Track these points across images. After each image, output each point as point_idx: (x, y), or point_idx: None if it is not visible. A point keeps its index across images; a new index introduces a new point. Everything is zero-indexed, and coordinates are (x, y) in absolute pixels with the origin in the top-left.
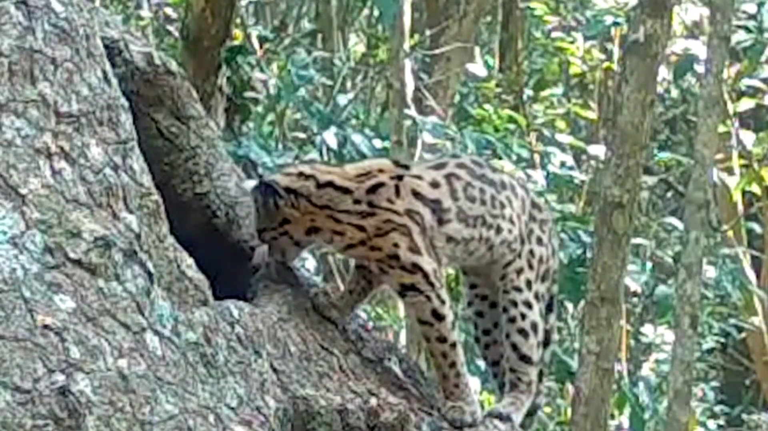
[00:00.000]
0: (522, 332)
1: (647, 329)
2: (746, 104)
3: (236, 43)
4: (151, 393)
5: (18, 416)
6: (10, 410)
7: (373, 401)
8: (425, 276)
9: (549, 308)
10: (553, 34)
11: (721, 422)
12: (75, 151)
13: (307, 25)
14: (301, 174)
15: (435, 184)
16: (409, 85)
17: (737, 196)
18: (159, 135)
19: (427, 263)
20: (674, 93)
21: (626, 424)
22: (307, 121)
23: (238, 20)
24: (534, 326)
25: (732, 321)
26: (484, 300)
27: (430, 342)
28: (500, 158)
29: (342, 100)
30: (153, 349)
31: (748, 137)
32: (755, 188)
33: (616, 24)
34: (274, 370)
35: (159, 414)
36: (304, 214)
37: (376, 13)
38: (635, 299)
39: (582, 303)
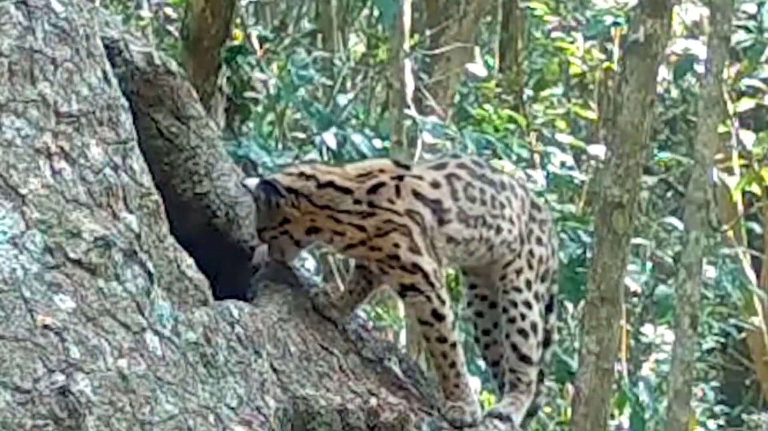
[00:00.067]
0: (522, 332)
1: (647, 329)
2: (746, 104)
3: (236, 43)
4: (151, 393)
5: (18, 416)
6: (10, 410)
7: (373, 401)
8: (425, 276)
9: (549, 308)
10: (553, 34)
11: (721, 422)
12: (75, 151)
13: (307, 25)
14: (302, 174)
15: (435, 185)
16: (409, 85)
17: (737, 196)
18: (159, 135)
19: (427, 263)
20: (674, 93)
21: (626, 424)
22: (307, 121)
23: (238, 20)
24: (534, 326)
25: (732, 321)
26: (484, 300)
27: (430, 342)
28: (500, 158)
29: (342, 100)
30: (153, 349)
31: (748, 137)
32: (755, 188)
33: (616, 24)
34: (274, 370)
35: (159, 414)
36: (304, 214)
37: (376, 13)
38: (635, 299)
39: (582, 303)
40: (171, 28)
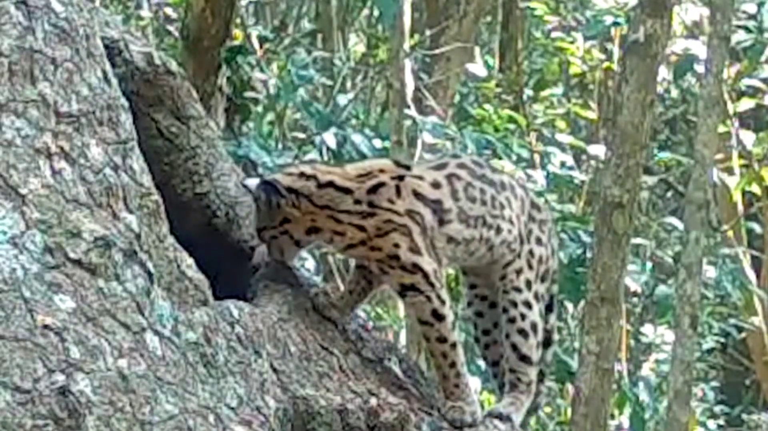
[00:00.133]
0: (522, 332)
1: (647, 329)
2: (746, 104)
3: (236, 43)
4: (151, 393)
5: (18, 416)
6: (10, 410)
7: (373, 401)
8: (425, 276)
9: (549, 308)
10: (553, 34)
11: (721, 422)
12: (75, 151)
13: (307, 25)
14: (302, 174)
15: (436, 185)
16: (409, 85)
17: (737, 196)
18: (159, 135)
19: (427, 263)
20: (674, 93)
21: (626, 424)
22: (307, 121)
23: (238, 20)
24: (534, 326)
25: (732, 321)
26: (484, 300)
27: (430, 342)
28: (500, 158)
29: (342, 100)
30: (153, 349)
31: (748, 137)
32: (755, 188)
33: (616, 24)
34: (274, 370)
35: (159, 414)
36: (305, 214)
37: (376, 13)
38: (635, 299)
39: (582, 303)
40: (171, 28)
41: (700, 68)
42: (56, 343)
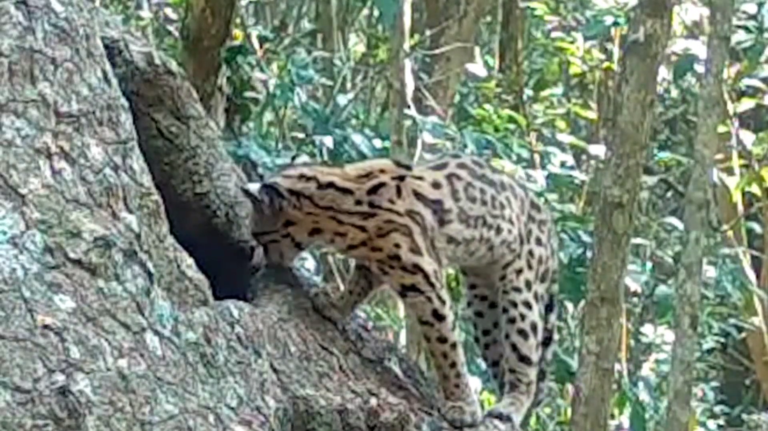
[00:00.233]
0: (521, 333)
1: (647, 329)
2: (746, 104)
3: (236, 43)
4: (151, 393)
5: (18, 416)
6: (10, 410)
7: (373, 401)
8: (426, 276)
9: (549, 308)
10: (553, 34)
11: (721, 422)
12: (75, 151)
13: (307, 25)
14: (302, 176)
15: (436, 185)
16: (409, 85)
17: (737, 196)
18: (159, 135)
19: (427, 263)
20: (674, 93)
21: (626, 424)
22: (305, 121)
23: (238, 20)
24: (533, 327)
25: (732, 321)
26: (484, 300)
27: (431, 342)
28: (500, 158)
29: (342, 100)
30: (153, 349)
31: (748, 137)
32: (755, 188)
33: (616, 24)
34: (274, 370)
35: (159, 414)
36: (306, 215)
37: (376, 13)
38: (635, 299)
39: (582, 303)
40: (171, 28)
41: (700, 68)
42: (56, 343)
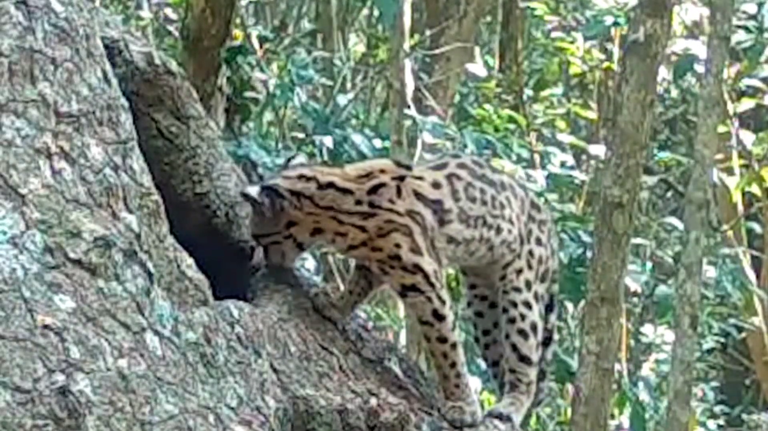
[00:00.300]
0: (521, 333)
1: (647, 329)
2: (746, 104)
3: (236, 43)
4: (151, 393)
5: (18, 416)
6: (10, 410)
7: (373, 401)
8: (426, 276)
9: (550, 308)
10: (553, 34)
11: (721, 422)
12: (75, 151)
13: (307, 25)
14: (301, 176)
15: (436, 185)
16: (409, 85)
17: (737, 196)
18: (159, 135)
19: (427, 263)
20: (674, 93)
21: (626, 424)
22: (305, 121)
23: (238, 20)
24: (533, 327)
25: (732, 321)
26: (484, 300)
27: (431, 342)
28: (500, 158)
29: (342, 100)
30: (153, 349)
31: (748, 137)
32: (755, 188)
33: (616, 24)
34: (274, 370)
35: (159, 414)
36: (308, 215)
37: (376, 13)
38: (635, 299)
39: (582, 303)
40: (171, 28)
41: (700, 68)
42: (56, 343)
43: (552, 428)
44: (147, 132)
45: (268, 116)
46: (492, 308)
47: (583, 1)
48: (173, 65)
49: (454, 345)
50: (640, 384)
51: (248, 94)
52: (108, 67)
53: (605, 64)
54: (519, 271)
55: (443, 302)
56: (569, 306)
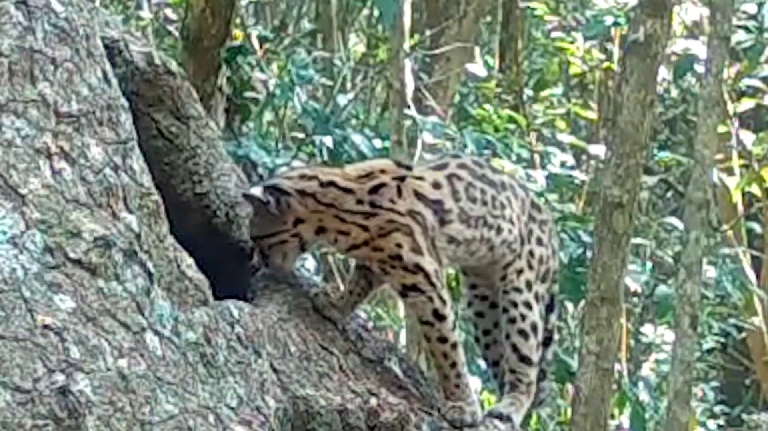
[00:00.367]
0: (522, 333)
1: (647, 329)
2: (746, 104)
3: (236, 43)
4: (151, 393)
5: (18, 416)
6: (10, 410)
7: (373, 401)
8: (427, 276)
9: (550, 308)
10: (553, 34)
11: (721, 422)
12: (75, 151)
13: (307, 25)
14: (303, 176)
15: (437, 185)
16: (409, 85)
17: (737, 196)
18: (159, 135)
19: (428, 263)
20: (674, 93)
21: (626, 424)
22: (305, 121)
23: (238, 20)
24: (534, 327)
25: (732, 321)
26: (485, 300)
27: (431, 342)
28: (500, 158)
29: (342, 100)
30: (153, 349)
31: (748, 137)
32: (755, 188)
33: (616, 24)
34: (274, 370)
35: (159, 414)
36: (312, 213)
37: (376, 13)
38: (635, 299)
39: (582, 303)
40: (171, 28)
41: (700, 68)
42: (56, 343)
43: (552, 428)
44: (147, 132)
45: (268, 116)
46: (492, 308)
47: (583, 1)
48: (173, 65)
49: (454, 345)
50: (640, 384)
51: (248, 94)
52: (108, 67)
53: (605, 64)
54: (520, 272)
55: (444, 302)
56: (569, 306)
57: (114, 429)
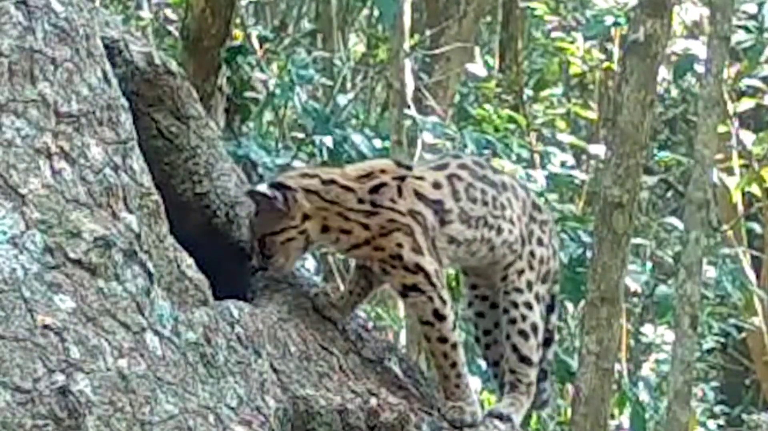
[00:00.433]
0: (522, 333)
1: (647, 329)
2: (746, 104)
3: (236, 43)
4: (151, 393)
5: (18, 416)
6: (10, 410)
7: (373, 401)
8: (427, 276)
9: (551, 308)
10: (553, 34)
11: (721, 422)
12: (75, 151)
13: (307, 25)
14: (304, 174)
15: (437, 185)
16: (409, 85)
17: (737, 196)
18: (159, 135)
19: (429, 263)
20: (674, 93)
21: (626, 424)
22: (305, 121)
23: (238, 20)
24: (534, 327)
25: (732, 321)
26: (485, 300)
27: (431, 342)
28: (500, 158)
29: (342, 100)
30: (153, 349)
31: (748, 137)
32: (755, 188)
33: (616, 24)
34: (274, 370)
35: (159, 414)
36: (317, 210)
37: (376, 13)
38: (635, 299)
39: (582, 303)
40: (171, 28)
41: (700, 68)
42: (56, 343)
43: (552, 428)
44: (147, 132)
45: (268, 116)
46: (493, 308)
47: (583, 1)
48: (173, 65)
49: (454, 346)
50: (640, 384)
51: (248, 94)
52: (108, 67)
53: (605, 64)
54: (520, 272)
55: (444, 302)
56: (569, 306)
57: (114, 429)
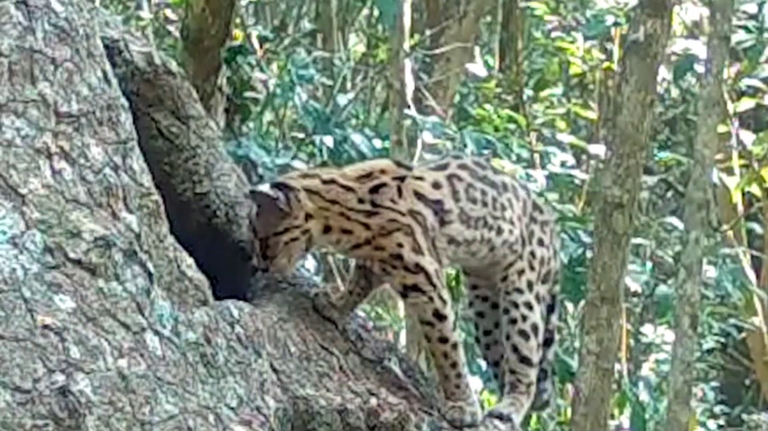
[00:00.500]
0: (522, 334)
1: (647, 329)
2: (746, 104)
3: (236, 43)
4: (151, 393)
5: (18, 416)
6: (10, 410)
7: (373, 401)
8: (427, 276)
9: (551, 308)
10: (553, 34)
11: (721, 422)
12: (75, 151)
13: (307, 25)
14: (305, 175)
15: (437, 185)
16: (409, 85)
17: (737, 196)
18: (159, 135)
19: (429, 263)
20: (674, 93)
21: (626, 424)
22: (305, 121)
23: (238, 20)
24: (534, 328)
25: (732, 321)
26: (485, 301)
27: (432, 342)
28: (500, 158)
29: (342, 100)
30: (153, 349)
31: (748, 137)
32: (755, 188)
33: (616, 24)
34: (274, 370)
35: (159, 414)
36: (319, 209)
37: (376, 13)
38: (635, 299)
39: (582, 303)
40: (171, 28)
41: (700, 68)
42: (56, 343)
43: (552, 428)
44: (147, 132)
45: (268, 116)
46: (493, 308)
47: (583, 1)
48: (173, 65)
49: (454, 346)
50: (640, 384)
51: (248, 94)
52: (108, 67)
53: (605, 64)
54: (521, 272)
55: (444, 302)
56: (569, 306)
57: (114, 429)
